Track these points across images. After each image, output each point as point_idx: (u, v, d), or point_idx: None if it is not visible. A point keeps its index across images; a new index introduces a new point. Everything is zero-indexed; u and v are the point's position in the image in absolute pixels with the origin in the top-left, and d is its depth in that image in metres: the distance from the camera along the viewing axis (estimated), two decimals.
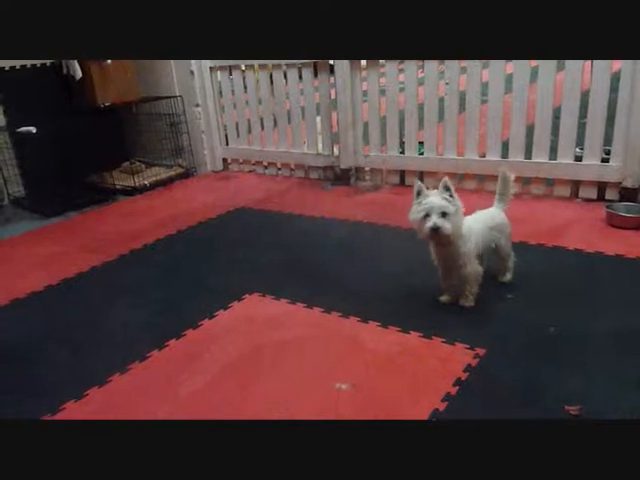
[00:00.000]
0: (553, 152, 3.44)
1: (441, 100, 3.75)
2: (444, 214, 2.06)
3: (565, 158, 3.39)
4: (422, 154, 3.93)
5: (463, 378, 1.86)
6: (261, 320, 2.37)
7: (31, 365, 2.20)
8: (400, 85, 3.87)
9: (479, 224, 2.30)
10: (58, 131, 4.32)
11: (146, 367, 2.11)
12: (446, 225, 2.05)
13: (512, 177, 2.39)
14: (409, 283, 2.56)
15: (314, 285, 2.64)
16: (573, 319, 2.16)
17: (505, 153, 3.60)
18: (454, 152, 3.78)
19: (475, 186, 3.76)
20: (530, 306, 2.28)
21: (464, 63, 3.58)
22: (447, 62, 3.62)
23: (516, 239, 2.88)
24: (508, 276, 2.49)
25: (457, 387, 1.82)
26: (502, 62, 3.43)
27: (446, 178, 2.09)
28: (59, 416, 1.86)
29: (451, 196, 2.08)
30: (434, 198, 2.07)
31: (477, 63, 3.51)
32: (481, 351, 2.00)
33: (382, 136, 4.06)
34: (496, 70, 3.47)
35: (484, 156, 3.69)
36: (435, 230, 2.05)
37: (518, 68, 3.39)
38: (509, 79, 3.45)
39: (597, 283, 2.44)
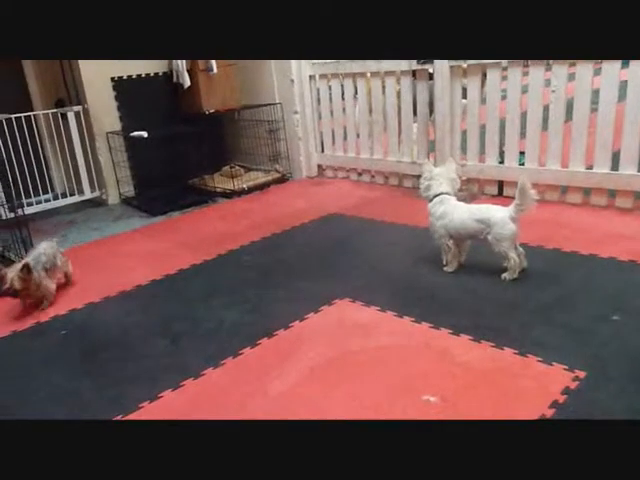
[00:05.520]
0: None
1: (545, 108, 3.59)
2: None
3: None
4: (523, 164, 3.77)
5: (561, 401, 1.76)
6: (351, 325, 2.39)
7: (134, 353, 2.36)
8: (502, 93, 3.75)
9: (462, 212, 2.69)
10: (166, 136, 4.61)
11: (238, 363, 2.20)
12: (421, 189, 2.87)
13: (530, 188, 2.47)
14: (506, 297, 2.47)
15: (405, 294, 2.62)
16: None
17: (615, 165, 3.37)
18: (558, 163, 3.60)
19: (580, 200, 3.55)
20: (637, 329, 2.12)
21: (573, 69, 3.40)
22: (554, 69, 3.45)
23: (625, 257, 2.71)
24: (505, 275, 2.61)
25: (553, 409, 1.73)
26: (616, 68, 3.22)
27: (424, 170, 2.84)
28: (157, 404, 1.98)
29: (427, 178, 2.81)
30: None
31: (588, 69, 3.32)
32: (581, 374, 1.88)
33: (481, 145, 3.95)
34: (609, 77, 3.26)
35: (591, 168, 3.47)
36: None
37: (633, 74, 3.17)
38: (623, 86, 3.23)
39: None
